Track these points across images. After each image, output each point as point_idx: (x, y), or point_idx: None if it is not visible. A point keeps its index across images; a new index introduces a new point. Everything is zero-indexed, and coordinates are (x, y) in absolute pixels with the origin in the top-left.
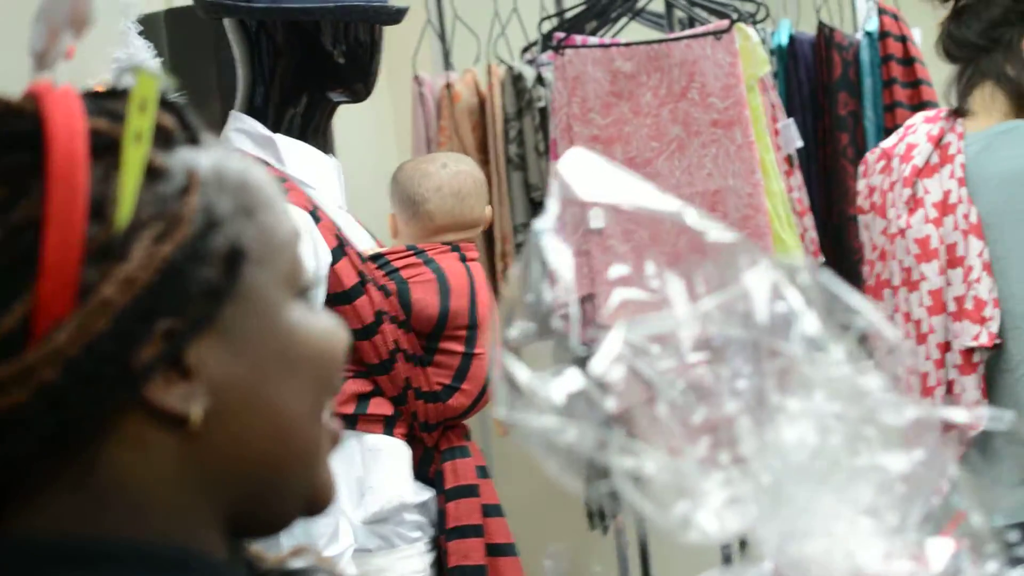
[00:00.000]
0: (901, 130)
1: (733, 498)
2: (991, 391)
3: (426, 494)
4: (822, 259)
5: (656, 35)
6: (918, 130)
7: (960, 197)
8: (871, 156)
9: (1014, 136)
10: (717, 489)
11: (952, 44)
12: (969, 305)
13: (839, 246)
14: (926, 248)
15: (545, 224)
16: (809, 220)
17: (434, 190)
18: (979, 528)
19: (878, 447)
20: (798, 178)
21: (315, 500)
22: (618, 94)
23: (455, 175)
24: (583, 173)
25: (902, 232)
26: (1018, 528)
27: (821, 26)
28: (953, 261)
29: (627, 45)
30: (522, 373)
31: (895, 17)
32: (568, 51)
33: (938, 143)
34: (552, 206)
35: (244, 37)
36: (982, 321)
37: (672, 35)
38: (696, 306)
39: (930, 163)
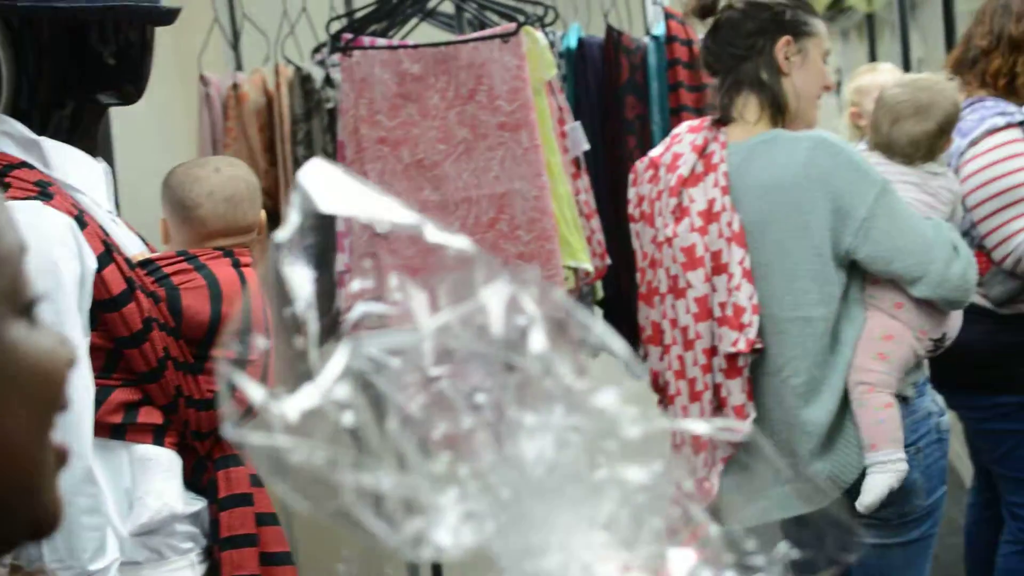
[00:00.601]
0: (668, 139)
1: (469, 514)
2: (757, 394)
3: (198, 504)
4: (609, 261)
5: (447, 36)
6: (683, 140)
7: (724, 205)
8: (640, 165)
9: (774, 145)
10: (453, 505)
11: (711, 57)
12: (730, 311)
13: (626, 249)
14: (692, 256)
15: (284, 236)
16: (596, 223)
17: (206, 195)
18: (719, 538)
19: (617, 460)
20: (585, 181)
21: (40, 523)
22: (405, 96)
23: (228, 179)
24: (324, 185)
25: (669, 241)
26: (784, 525)
27: (609, 30)
28: (718, 268)
29: (415, 47)
30: (254, 390)
31: (682, 22)
32: (356, 52)
33: (702, 152)
34: (292, 218)
35: (8, 35)
36: (741, 327)
37: (459, 37)
38: (437, 319)
39: (695, 172)
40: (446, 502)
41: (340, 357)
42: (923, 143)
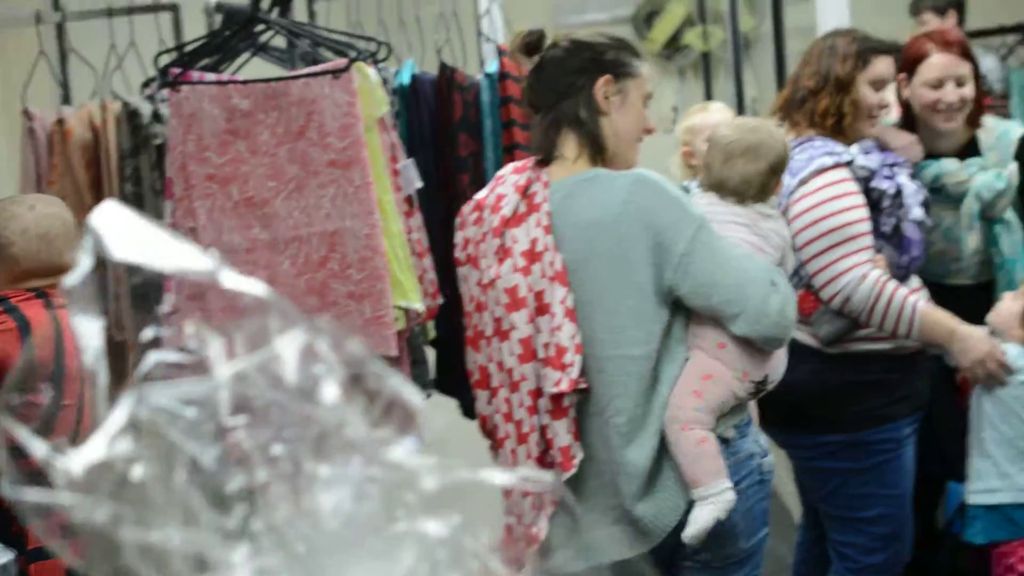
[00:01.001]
0: (492, 181)
1: (262, 570)
2: (583, 434)
3: (6, 556)
4: (441, 301)
5: (280, 72)
6: (507, 181)
7: (546, 245)
8: (466, 209)
9: (594, 183)
10: (245, 561)
11: (534, 94)
12: (552, 352)
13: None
14: (515, 297)
15: (73, 281)
16: (428, 261)
17: (19, 232)
18: None
19: (418, 512)
20: (418, 219)
21: None
22: (235, 132)
23: (43, 217)
24: (117, 228)
25: (492, 282)
26: (609, 567)
27: (443, 67)
28: (541, 308)
29: (244, 82)
30: (37, 445)
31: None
32: (184, 87)
33: (525, 192)
34: (83, 262)
35: None
36: (563, 367)
37: (290, 73)
38: (232, 368)
39: (518, 212)
40: (238, 558)
41: (123, 409)
42: (754, 181)
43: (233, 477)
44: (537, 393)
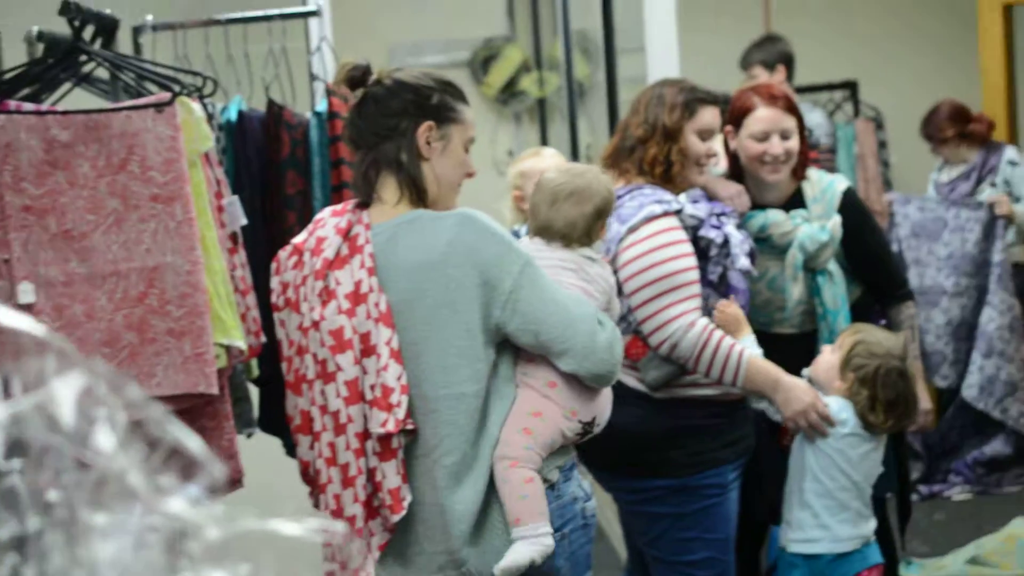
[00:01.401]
0: (311, 225)
1: None
2: (411, 477)
3: None
4: (264, 339)
5: (103, 104)
6: (327, 223)
7: (371, 287)
8: (283, 254)
9: (417, 225)
10: None
11: (355, 131)
12: (379, 392)
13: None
14: (340, 339)
15: None
16: (252, 299)
17: None
18: None
19: (201, 563)
20: (242, 256)
21: None
22: (53, 163)
23: None
24: None
25: (316, 325)
26: None
27: (271, 104)
28: (368, 350)
29: (64, 113)
30: None
31: (345, 99)
32: (1, 116)
33: (347, 235)
34: None
35: None
36: (389, 408)
37: (111, 105)
38: (7, 409)
39: (340, 255)
40: None
41: None
42: (580, 225)
43: (3, 524)
44: (364, 435)
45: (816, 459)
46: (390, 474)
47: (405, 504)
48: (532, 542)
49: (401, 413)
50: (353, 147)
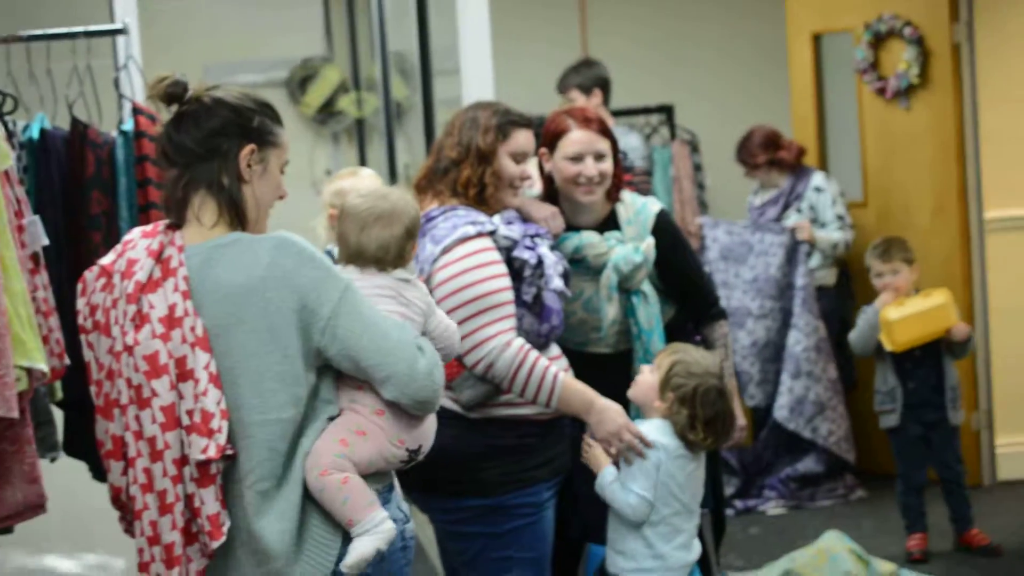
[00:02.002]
0: (120, 246)
1: None
2: (229, 502)
3: None
4: (68, 362)
5: None
6: (137, 245)
7: (186, 310)
8: (90, 275)
9: (235, 248)
10: None
11: (171, 148)
12: (198, 418)
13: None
14: (155, 364)
15: None
16: (55, 321)
17: None
18: None
19: None
20: (44, 277)
21: None
22: None
23: None
24: None
25: (129, 349)
26: None
27: (75, 122)
28: (184, 375)
29: None
30: None
31: (152, 118)
32: None
33: (159, 257)
34: None
35: None
36: (210, 433)
37: None
38: None
39: (153, 278)
40: None
41: None
42: (392, 247)
43: None
44: (182, 461)
45: None
46: (208, 500)
47: (224, 530)
48: (372, 533)
49: (222, 439)
50: (165, 165)
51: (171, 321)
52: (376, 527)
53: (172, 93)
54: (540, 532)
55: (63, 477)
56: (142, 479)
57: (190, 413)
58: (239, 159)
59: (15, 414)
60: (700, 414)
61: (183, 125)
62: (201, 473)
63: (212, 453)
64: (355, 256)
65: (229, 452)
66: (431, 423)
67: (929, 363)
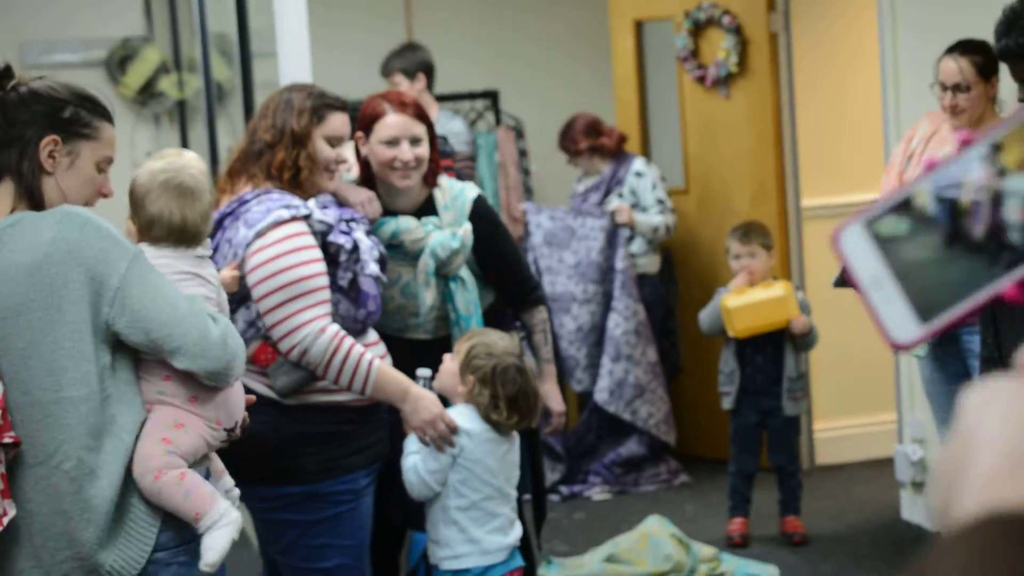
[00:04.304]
0: None
1: None
2: (24, 488)
3: None
4: None
5: None
6: None
7: None
8: None
9: (19, 227)
10: None
11: None
12: None
13: None
14: None
15: None
16: None
17: None
18: None
19: None
20: None
21: None
22: None
23: None
24: None
25: None
26: None
27: None
28: None
29: None
30: None
31: None
32: None
33: None
34: None
35: None
36: None
37: None
38: None
39: None
40: None
41: None
42: (175, 216)
43: None
44: None
45: (456, 474)
46: None
47: (5, 520)
48: (221, 525)
49: None
50: None
51: None
52: (223, 517)
53: None
54: (359, 519)
55: None
56: None
57: None
58: (40, 149)
59: None
60: (501, 393)
61: None
62: None
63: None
64: (145, 230)
65: (9, 440)
66: (239, 396)
67: (769, 351)
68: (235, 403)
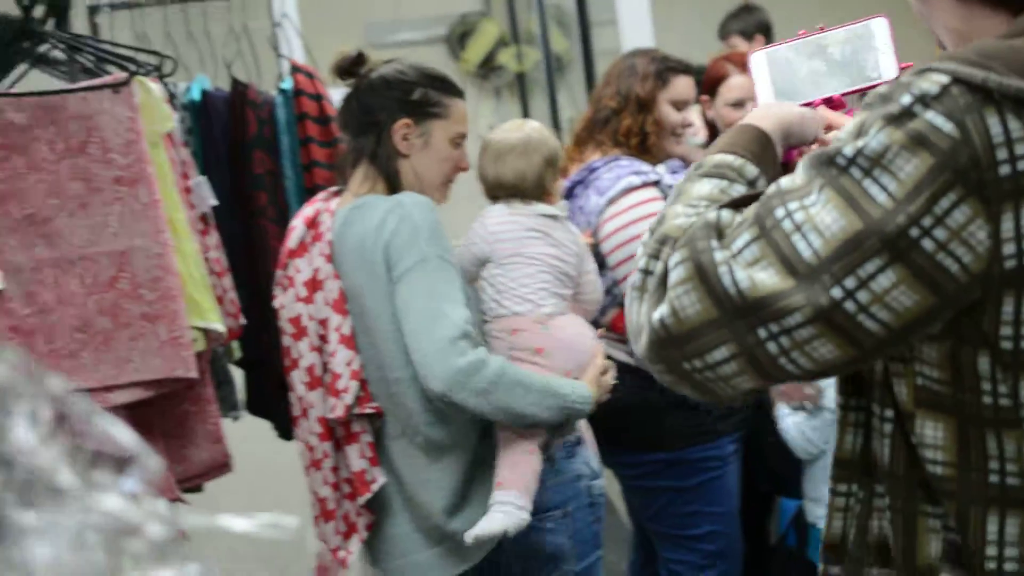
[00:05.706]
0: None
1: None
2: (388, 459)
3: None
4: (244, 321)
5: (61, 85)
6: (302, 213)
7: (327, 273)
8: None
9: (363, 210)
10: None
11: (343, 120)
12: (328, 379)
13: (264, 307)
14: (298, 326)
15: None
16: (228, 281)
17: None
18: None
19: (149, 562)
20: (215, 238)
21: None
22: (10, 147)
23: None
24: None
25: (278, 313)
26: None
27: (235, 83)
28: (324, 337)
29: (18, 95)
30: None
31: (310, 76)
32: None
33: (313, 222)
34: None
35: None
36: (337, 394)
37: (66, 87)
38: None
39: (304, 243)
40: None
41: None
42: (529, 175)
43: None
44: (327, 419)
45: (822, 433)
46: (353, 457)
47: (374, 487)
48: (507, 510)
49: (349, 398)
50: (344, 135)
51: (314, 284)
52: (516, 508)
53: (343, 69)
54: (727, 486)
55: (242, 435)
56: (303, 437)
57: (325, 374)
58: (393, 133)
59: (194, 374)
60: None
61: (353, 100)
62: (344, 431)
63: (339, 413)
64: (494, 188)
65: (370, 411)
66: (581, 345)
67: None
68: (576, 352)
